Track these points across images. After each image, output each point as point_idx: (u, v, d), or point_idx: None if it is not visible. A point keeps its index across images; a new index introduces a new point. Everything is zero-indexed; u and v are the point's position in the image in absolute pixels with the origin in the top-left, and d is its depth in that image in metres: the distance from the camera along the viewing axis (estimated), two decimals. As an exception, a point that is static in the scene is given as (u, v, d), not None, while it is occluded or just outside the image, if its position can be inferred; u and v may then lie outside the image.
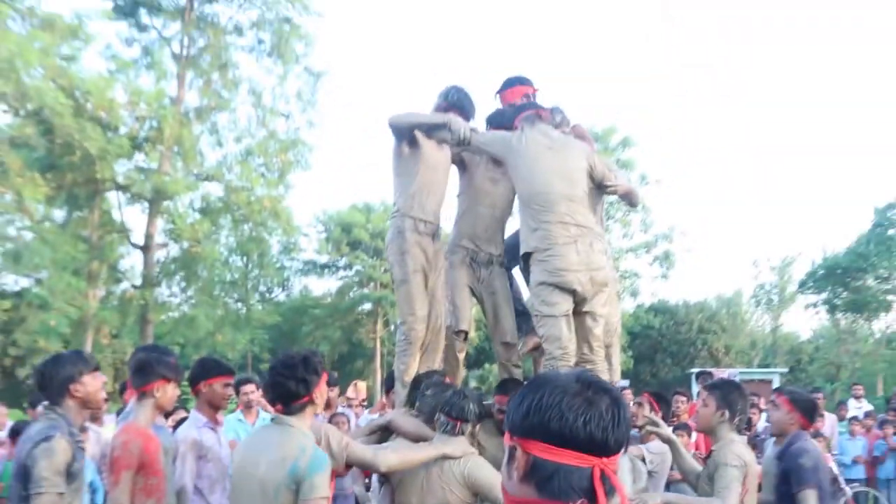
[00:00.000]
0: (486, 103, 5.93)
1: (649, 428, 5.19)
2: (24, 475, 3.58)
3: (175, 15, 27.93)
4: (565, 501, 1.49)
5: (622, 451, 1.56)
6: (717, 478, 4.36)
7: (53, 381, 3.92)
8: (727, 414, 4.53)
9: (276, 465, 3.44)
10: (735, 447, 4.45)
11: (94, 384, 4.10)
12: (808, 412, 5.12)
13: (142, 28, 28.10)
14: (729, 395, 4.59)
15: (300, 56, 28.78)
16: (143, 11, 27.75)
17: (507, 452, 1.58)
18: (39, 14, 23.70)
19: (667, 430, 5.06)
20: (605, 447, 1.51)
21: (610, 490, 1.51)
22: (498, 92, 5.79)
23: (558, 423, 1.50)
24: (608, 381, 1.65)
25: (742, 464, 4.36)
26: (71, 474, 3.67)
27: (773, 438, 5.38)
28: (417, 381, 5.06)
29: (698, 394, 9.84)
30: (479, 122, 5.77)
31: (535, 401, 1.55)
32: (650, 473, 5.67)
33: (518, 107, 5.54)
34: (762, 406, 9.68)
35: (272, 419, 3.79)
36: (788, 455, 4.88)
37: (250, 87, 29.00)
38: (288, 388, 3.60)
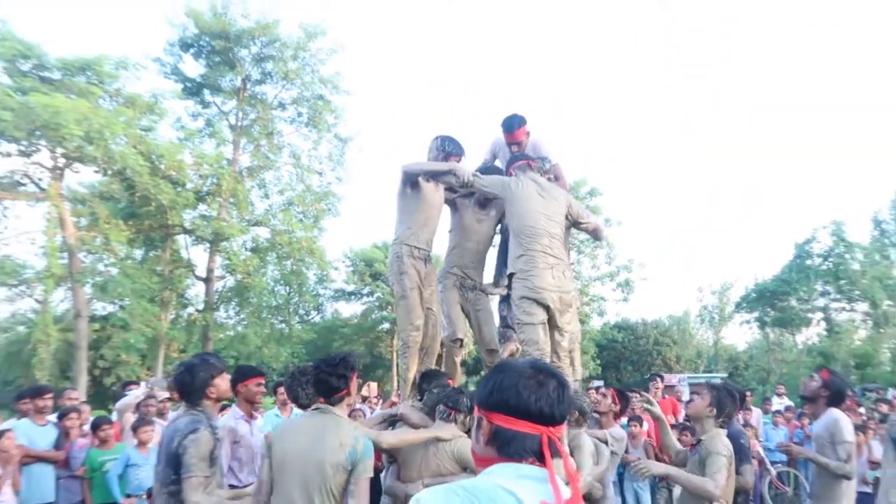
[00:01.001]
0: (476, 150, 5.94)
1: (645, 406, 5.19)
2: (175, 462, 3.59)
3: (231, 94, 28.24)
4: (519, 460, 1.58)
5: (565, 422, 1.65)
6: (709, 464, 4.35)
7: (193, 387, 3.92)
8: (715, 411, 4.54)
9: (336, 449, 3.38)
10: (723, 439, 4.46)
11: (224, 384, 4.12)
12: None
13: (205, 105, 28.45)
14: (722, 398, 4.58)
15: (331, 126, 28.89)
16: (206, 91, 28.06)
17: (476, 422, 1.68)
18: (124, 94, 23.99)
19: (658, 410, 5.06)
20: (552, 419, 1.60)
21: (555, 452, 1.59)
22: (507, 131, 5.73)
23: (515, 400, 1.59)
24: (558, 369, 1.76)
25: (729, 453, 4.38)
26: (212, 460, 3.69)
27: None
28: (427, 375, 5.09)
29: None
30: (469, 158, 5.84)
31: (497, 382, 1.63)
32: (612, 454, 5.66)
33: (512, 156, 5.59)
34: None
35: (316, 408, 3.66)
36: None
37: (291, 150, 29.29)
38: (330, 383, 3.57)
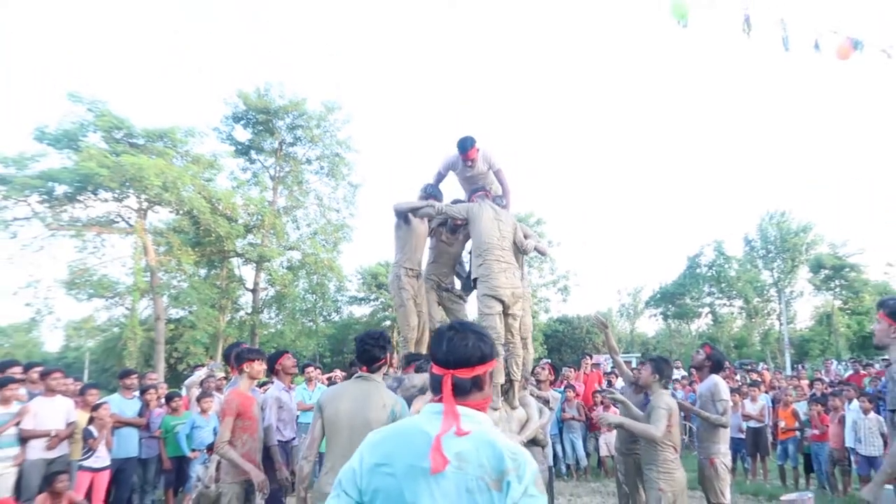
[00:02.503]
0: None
1: (611, 397, 5.29)
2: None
3: (271, 153, 28.23)
4: (438, 399, 1.50)
5: (469, 367, 1.51)
6: (652, 417, 4.46)
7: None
8: (657, 377, 4.59)
9: (379, 409, 3.17)
10: (665, 397, 4.50)
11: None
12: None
13: (251, 161, 28.42)
14: (660, 365, 4.63)
15: (345, 175, 28.86)
16: (252, 152, 28.05)
17: None
18: (191, 154, 23.99)
19: (620, 396, 5.13)
20: (447, 363, 1.50)
21: (463, 392, 1.49)
22: (463, 151, 5.56)
23: (432, 350, 1.56)
24: (477, 327, 1.60)
25: (668, 407, 4.43)
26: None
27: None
28: (419, 356, 5.09)
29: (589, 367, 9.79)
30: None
31: (431, 340, 1.62)
32: (550, 409, 5.71)
33: (474, 189, 5.57)
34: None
35: (358, 376, 3.39)
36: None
37: (316, 194, 29.20)
38: (374, 353, 3.36)
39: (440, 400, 1.50)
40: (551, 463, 6.71)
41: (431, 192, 5.57)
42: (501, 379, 4.89)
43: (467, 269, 5.94)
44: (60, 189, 20.77)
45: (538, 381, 6.14)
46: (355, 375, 3.45)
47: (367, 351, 3.37)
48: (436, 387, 1.52)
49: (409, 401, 4.12)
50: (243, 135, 27.82)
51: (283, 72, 71.80)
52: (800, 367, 20.97)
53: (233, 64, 69.87)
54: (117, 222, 23.24)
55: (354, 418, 3.17)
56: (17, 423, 5.85)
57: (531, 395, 5.47)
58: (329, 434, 3.27)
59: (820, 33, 6.64)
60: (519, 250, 5.26)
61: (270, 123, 27.23)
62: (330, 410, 3.25)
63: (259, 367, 4.41)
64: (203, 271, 26.96)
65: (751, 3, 6.25)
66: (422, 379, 4.55)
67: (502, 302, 4.89)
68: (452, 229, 5.80)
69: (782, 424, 9.03)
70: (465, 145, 5.52)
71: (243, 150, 27.77)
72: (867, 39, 6.77)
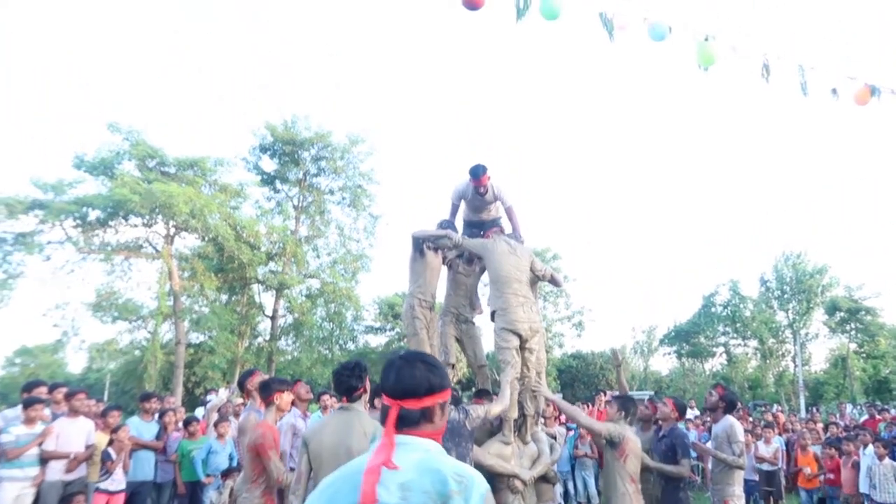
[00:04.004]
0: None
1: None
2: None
3: (295, 183, 28.54)
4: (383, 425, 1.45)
5: (417, 397, 1.46)
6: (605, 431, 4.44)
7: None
8: (622, 413, 4.54)
9: (361, 438, 3.15)
10: (623, 429, 4.42)
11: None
12: (682, 410, 5.22)
13: (276, 191, 28.75)
14: (626, 403, 4.60)
15: (366, 206, 29.01)
16: (277, 181, 28.39)
17: None
18: (219, 183, 24.42)
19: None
20: (397, 394, 1.46)
21: (410, 422, 1.44)
22: (475, 177, 5.50)
23: (382, 379, 1.50)
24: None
25: (621, 436, 4.34)
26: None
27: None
28: None
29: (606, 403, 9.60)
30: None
31: (382, 370, 1.54)
32: (559, 445, 5.61)
33: (490, 224, 5.61)
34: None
35: (340, 407, 3.37)
36: (675, 435, 4.92)
37: (337, 224, 29.32)
38: (351, 383, 3.31)
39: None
40: (561, 501, 6.55)
41: (447, 226, 5.58)
42: (515, 413, 4.79)
43: (482, 300, 5.88)
44: (94, 214, 21.27)
45: (544, 418, 6.02)
46: (337, 407, 3.41)
47: (343, 382, 3.34)
48: (383, 418, 1.47)
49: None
50: (270, 165, 28.28)
51: (282, 72, 72.74)
52: (814, 409, 20.39)
53: (233, 63, 71.22)
54: (145, 247, 23.60)
55: (338, 448, 3.13)
56: (40, 444, 5.84)
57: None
58: (315, 467, 3.21)
59: (838, 79, 6.62)
60: (537, 277, 5.25)
61: (296, 154, 27.65)
62: (314, 444, 3.22)
63: (288, 398, 4.28)
64: (224, 297, 27.10)
65: (769, 49, 6.26)
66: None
67: (520, 336, 4.84)
68: (469, 260, 5.78)
69: (807, 471, 8.72)
70: (478, 172, 5.51)
71: (269, 180, 28.15)
72: (884, 85, 6.73)
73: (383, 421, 1.48)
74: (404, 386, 1.47)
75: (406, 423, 1.45)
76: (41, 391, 6.46)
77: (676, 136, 77.65)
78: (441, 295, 5.83)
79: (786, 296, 37.80)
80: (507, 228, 5.79)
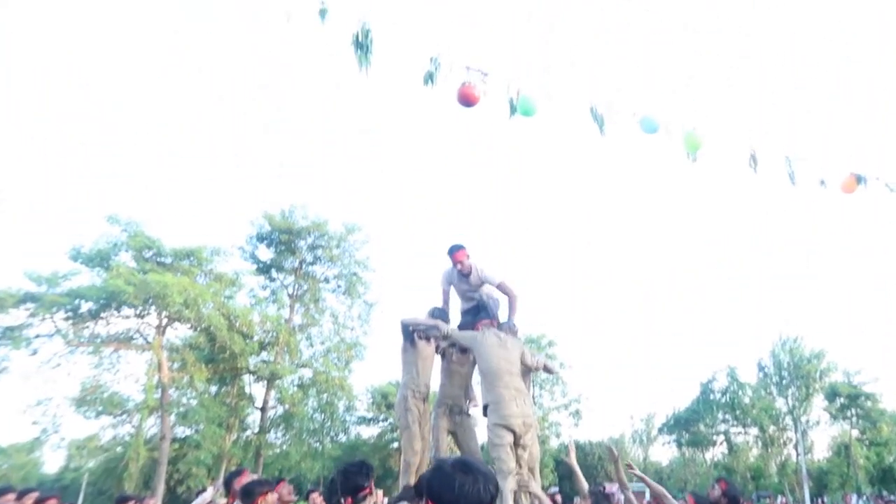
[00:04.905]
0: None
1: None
2: None
3: (291, 272, 28.40)
4: None
5: None
6: None
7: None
8: None
9: None
10: None
11: (285, 490, 4.35)
12: None
13: (272, 279, 28.48)
14: (599, 499, 4.60)
15: (361, 294, 28.75)
16: (273, 270, 28.24)
17: None
18: (215, 272, 24.28)
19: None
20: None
21: None
22: (450, 254, 5.55)
23: (439, 491, 1.48)
24: (483, 465, 1.56)
25: None
26: None
27: None
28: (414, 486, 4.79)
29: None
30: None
31: (436, 478, 1.52)
32: None
33: (480, 317, 5.49)
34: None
35: None
36: None
37: (331, 312, 28.88)
38: (357, 481, 3.25)
39: None
40: None
41: (438, 316, 5.49)
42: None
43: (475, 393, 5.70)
44: (86, 306, 20.90)
45: None
46: None
47: (351, 480, 3.25)
48: None
49: None
50: (266, 254, 28.29)
51: (283, 159, 74.21)
52: (819, 500, 19.35)
53: (233, 147, 72.46)
54: (135, 339, 23.02)
55: None
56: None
57: None
58: None
59: (824, 169, 6.72)
60: (528, 368, 5.17)
61: (293, 243, 27.74)
62: None
63: (272, 498, 4.08)
64: (214, 388, 26.17)
65: (757, 141, 6.39)
66: None
67: (513, 432, 4.71)
68: (462, 350, 5.63)
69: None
70: (452, 249, 5.54)
71: (264, 269, 28.05)
72: (870, 173, 6.84)
73: None
74: (471, 502, 1.46)
75: None
76: (8, 499, 5.92)
77: (670, 224, 79.48)
78: (435, 384, 5.65)
79: (784, 381, 37.16)
80: (503, 301, 5.65)
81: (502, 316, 5.67)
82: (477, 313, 5.71)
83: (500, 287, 5.62)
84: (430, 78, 5.09)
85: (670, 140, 6.22)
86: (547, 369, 5.54)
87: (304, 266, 28.60)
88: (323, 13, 4.81)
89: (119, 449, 24.36)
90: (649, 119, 6.06)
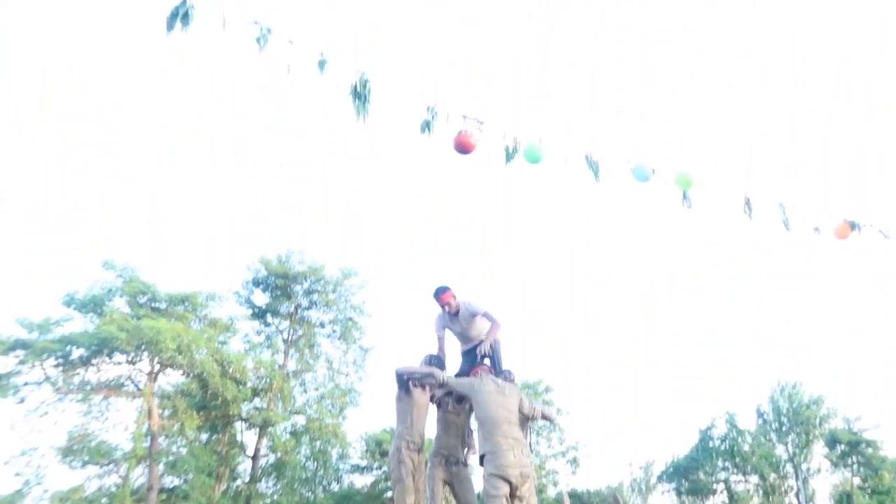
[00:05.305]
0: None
1: None
2: None
3: (286, 317, 28.09)
4: None
5: None
6: None
7: None
8: None
9: None
10: None
11: None
12: None
13: (267, 324, 28.14)
14: None
15: (357, 339, 28.38)
16: (268, 315, 27.96)
17: None
18: (209, 318, 24.03)
19: None
20: None
21: None
22: (435, 297, 5.55)
23: None
24: None
25: None
26: None
27: None
28: None
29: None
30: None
31: None
32: None
33: (476, 364, 5.44)
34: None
35: None
36: None
37: (326, 357, 28.43)
38: None
39: None
40: None
41: (434, 363, 5.44)
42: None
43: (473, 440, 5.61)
44: (77, 353, 20.53)
45: None
46: None
47: None
48: None
49: None
50: (261, 299, 28.04)
51: (279, 206, 74.12)
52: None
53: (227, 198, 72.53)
54: (126, 385, 22.54)
55: None
56: None
57: None
58: None
59: (818, 215, 6.75)
60: (526, 416, 5.14)
61: (289, 288, 27.57)
62: None
63: None
64: (204, 436, 25.44)
65: (751, 187, 6.44)
66: None
67: (510, 483, 4.60)
68: (458, 399, 5.52)
69: None
70: (437, 292, 5.54)
71: (260, 314, 27.76)
72: (864, 219, 6.87)
73: None
74: None
75: None
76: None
77: (667, 268, 79.51)
78: (431, 432, 5.53)
79: (784, 428, 36.63)
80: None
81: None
82: (478, 356, 5.63)
83: (485, 315, 5.64)
84: (426, 126, 5.16)
85: (664, 185, 6.26)
86: (545, 417, 5.48)
87: (299, 311, 28.33)
88: (322, 64, 4.89)
89: (104, 500, 23.43)
90: (641, 167, 6.10)
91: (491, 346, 5.52)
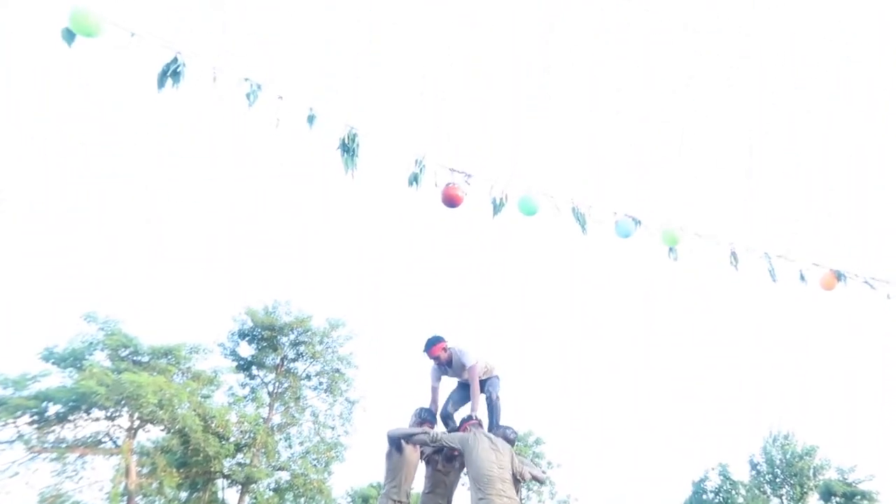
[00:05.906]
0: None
1: None
2: None
3: (272, 369, 27.39)
4: None
5: None
6: None
7: None
8: None
9: None
10: None
11: None
12: None
13: (252, 377, 27.35)
14: None
15: (343, 391, 27.64)
16: (254, 367, 27.24)
17: None
18: (193, 370, 23.43)
19: None
20: None
21: None
22: (425, 350, 5.47)
23: None
24: None
25: None
26: None
27: None
28: None
29: None
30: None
31: None
32: None
33: (467, 418, 5.33)
34: None
35: None
36: None
37: (312, 410, 27.60)
38: None
39: None
40: None
41: (426, 418, 5.35)
42: None
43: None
44: (53, 409, 19.73)
45: None
46: None
47: None
48: None
49: None
50: (247, 350, 27.35)
51: (266, 255, 73.32)
52: None
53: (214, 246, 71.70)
54: (104, 442, 21.60)
55: None
56: None
57: None
58: None
59: (804, 266, 6.77)
60: (517, 480, 4.98)
61: (275, 340, 27.00)
62: None
63: None
64: (184, 494, 24.33)
65: (736, 238, 6.47)
66: None
67: None
68: (448, 458, 5.39)
69: None
70: (427, 345, 5.44)
71: (245, 366, 27.04)
72: (849, 270, 6.89)
73: None
74: None
75: None
76: None
77: (657, 320, 79.45)
78: (417, 488, 5.42)
79: (778, 480, 35.83)
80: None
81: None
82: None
83: (470, 371, 5.46)
84: (414, 179, 5.16)
85: (650, 239, 6.26)
86: (536, 479, 5.32)
87: (285, 363, 27.64)
88: (311, 119, 4.93)
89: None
90: (624, 223, 6.10)
91: (494, 400, 5.42)
